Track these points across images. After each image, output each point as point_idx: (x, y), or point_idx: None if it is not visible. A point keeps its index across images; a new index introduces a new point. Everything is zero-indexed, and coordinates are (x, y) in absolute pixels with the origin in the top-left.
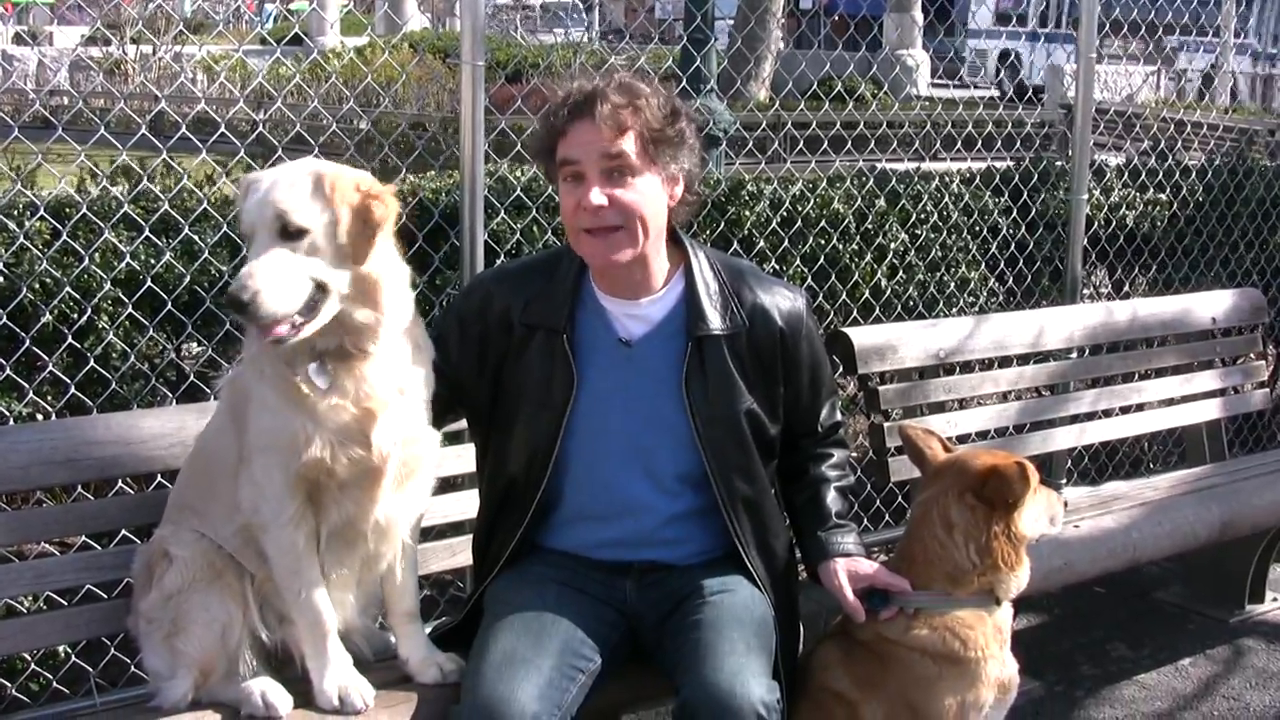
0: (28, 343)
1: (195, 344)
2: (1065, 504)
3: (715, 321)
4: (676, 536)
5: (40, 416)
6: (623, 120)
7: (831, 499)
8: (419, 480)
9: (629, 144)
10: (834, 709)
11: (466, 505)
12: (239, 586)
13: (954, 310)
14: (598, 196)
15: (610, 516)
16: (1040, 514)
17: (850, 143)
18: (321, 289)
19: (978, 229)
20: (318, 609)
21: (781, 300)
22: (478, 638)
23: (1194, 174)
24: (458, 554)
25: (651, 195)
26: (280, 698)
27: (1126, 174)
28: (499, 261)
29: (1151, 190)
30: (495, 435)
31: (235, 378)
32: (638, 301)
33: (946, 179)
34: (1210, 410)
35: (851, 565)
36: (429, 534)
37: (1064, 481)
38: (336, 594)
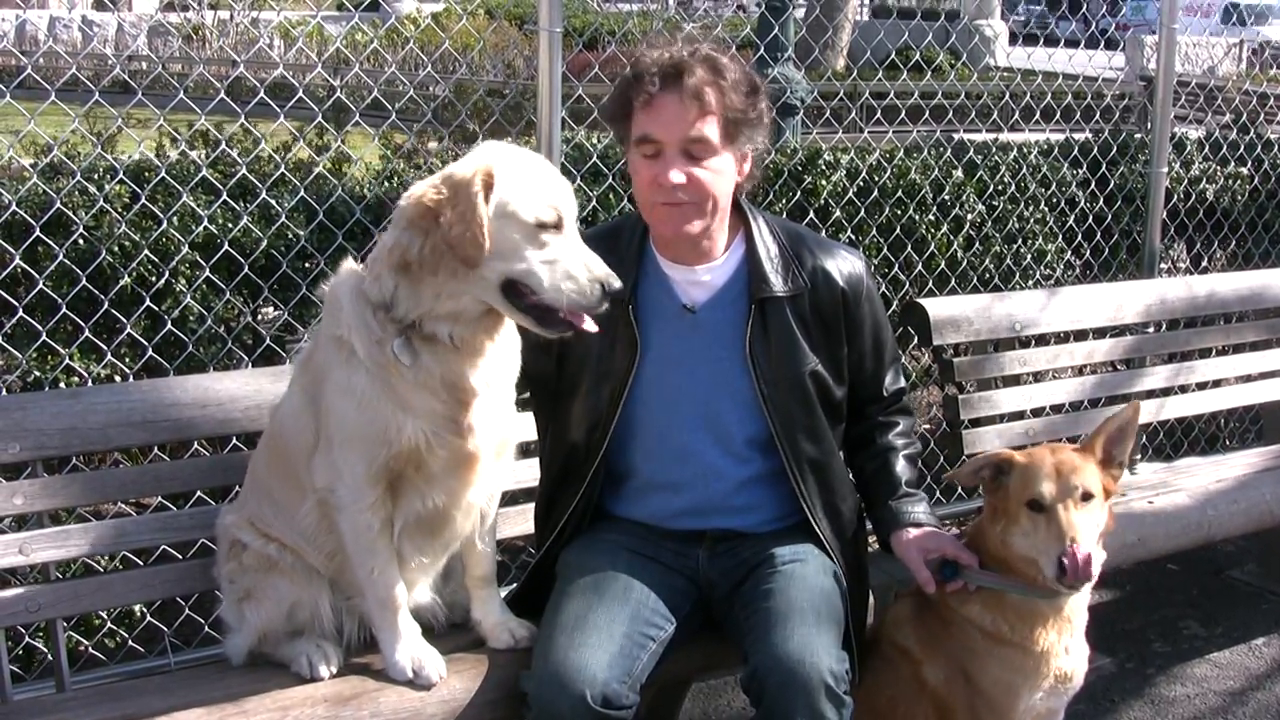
0: (106, 305)
1: (271, 308)
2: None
3: (777, 284)
4: (748, 503)
5: (118, 378)
6: (707, 101)
7: (901, 468)
8: (506, 460)
9: (711, 129)
10: (900, 665)
11: (540, 472)
12: (311, 574)
13: (1030, 283)
14: (677, 175)
15: (683, 484)
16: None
17: (928, 112)
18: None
19: (1055, 201)
20: (389, 585)
21: (842, 262)
22: (550, 604)
23: (1276, 147)
24: (530, 520)
25: (726, 174)
26: (323, 662)
27: (1207, 147)
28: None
29: (1232, 164)
30: (559, 406)
31: (308, 358)
32: (700, 267)
33: (1024, 150)
34: None
35: (923, 534)
36: (502, 500)
37: (1139, 458)
38: (411, 575)
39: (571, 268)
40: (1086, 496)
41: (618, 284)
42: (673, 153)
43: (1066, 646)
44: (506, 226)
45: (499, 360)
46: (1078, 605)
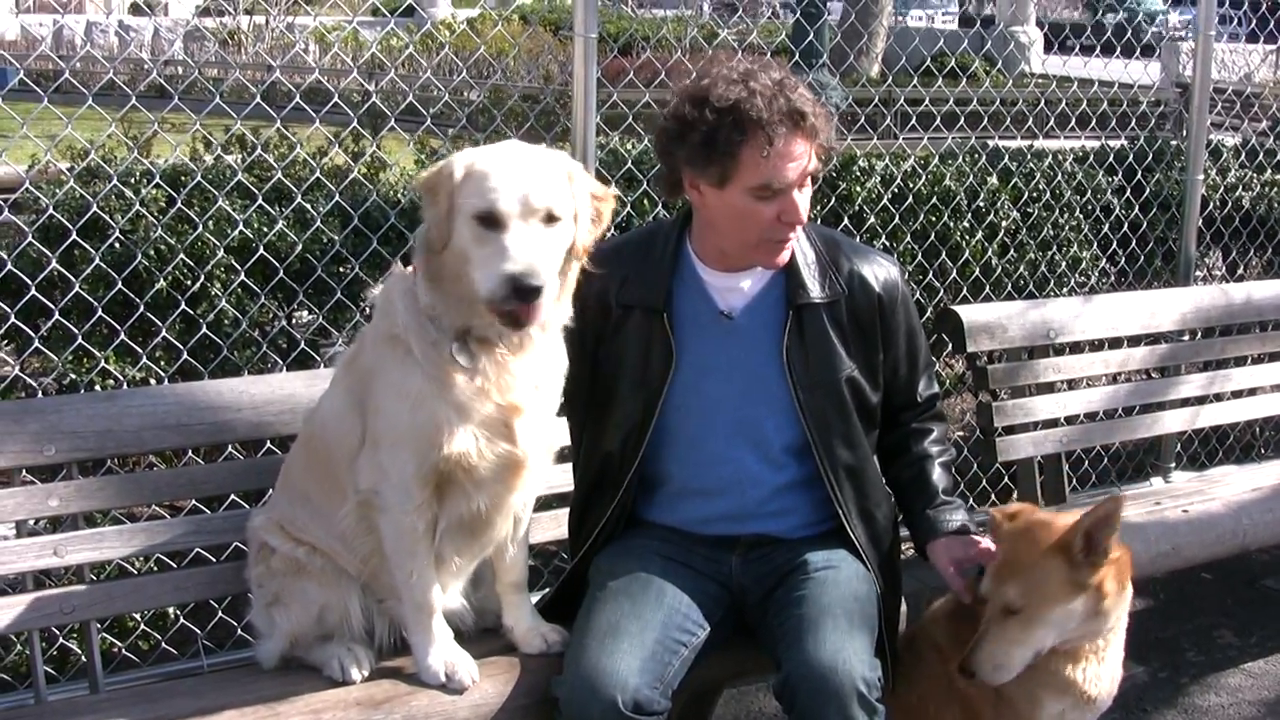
0: (142, 308)
1: (306, 312)
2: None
3: (815, 290)
4: (782, 508)
5: (153, 381)
6: (818, 133)
7: (938, 476)
8: (550, 464)
9: (813, 157)
10: (932, 662)
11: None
12: (340, 576)
13: (1064, 290)
14: (804, 212)
15: (717, 491)
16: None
17: (963, 119)
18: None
19: (1090, 208)
20: (426, 589)
21: (878, 269)
22: (581, 609)
23: None
24: (563, 525)
25: None
26: (354, 666)
27: (1243, 154)
28: (608, 234)
29: (1269, 171)
30: (592, 413)
31: (353, 359)
32: (740, 273)
33: (1059, 157)
34: None
35: (960, 543)
36: (535, 505)
37: (1172, 466)
38: (446, 579)
39: (495, 261)
40: (1009, 611)
41: (534, 282)
42: (791, 188)
43: (1098, 674)
44: (460, 222)
45: (548, 360)
46: (1108, 635)
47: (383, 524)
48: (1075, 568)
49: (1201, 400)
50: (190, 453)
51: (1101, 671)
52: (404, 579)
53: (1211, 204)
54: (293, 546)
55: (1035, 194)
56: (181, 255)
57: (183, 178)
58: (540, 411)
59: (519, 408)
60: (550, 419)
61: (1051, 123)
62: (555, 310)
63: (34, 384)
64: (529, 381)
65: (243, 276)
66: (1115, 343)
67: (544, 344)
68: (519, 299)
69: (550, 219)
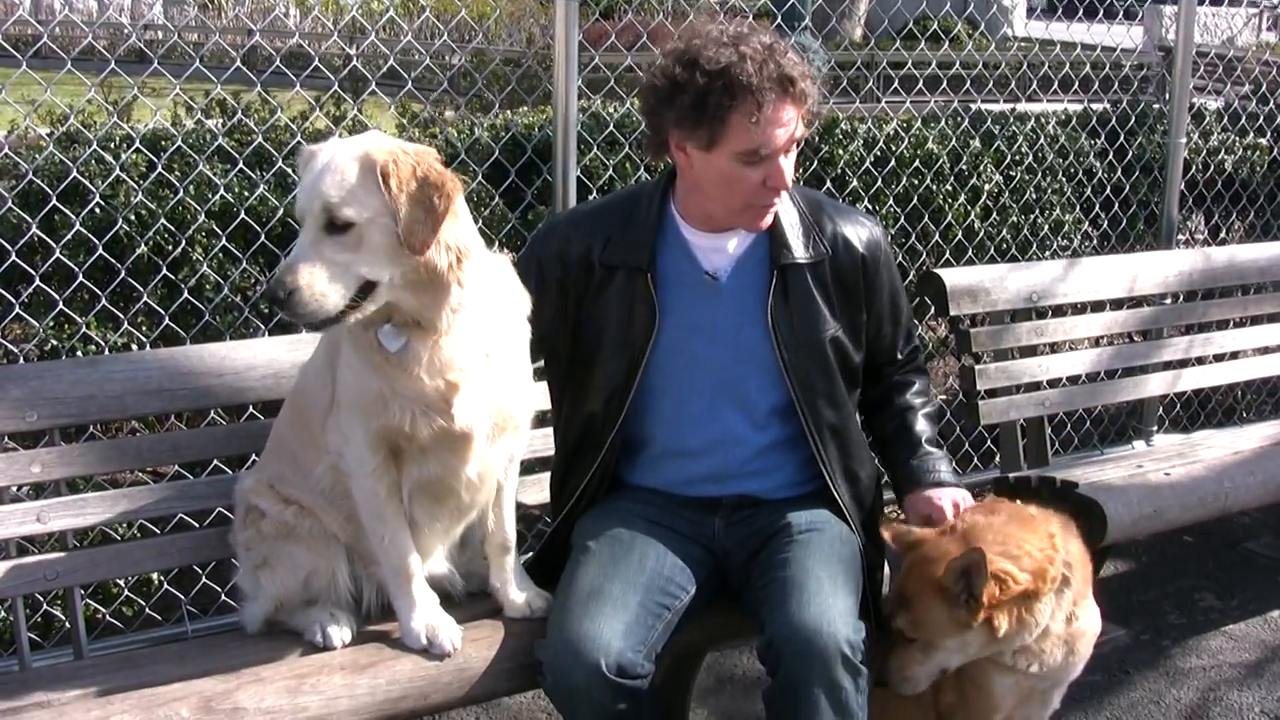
0: (123, 274)
1: None
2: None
3: (799, 250)
4: (764, 468)
5: (135, 346)
6: (807, 99)
7: (921, 426)
8: (515, 433)
9: (801, 124)
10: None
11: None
12: (329, 541)
13: (1047, 253)
14: (789, 176)
15: (701, 451)
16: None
17: (945, 82)
18: (371, 283)
19: (1073, 171)
20: (402, 553)
21: (860, 229)
22: (564, 573)
23: None
24: (545, 488)
25: None
26: (337, 632)
27: (1226, 118)
28: (591, 197)
29: (1251, 135)
30: (574, 375)
31: None
32: (725, 234)
33: (1042, 120)
34: None
35: (940, 494)
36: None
37: (1155, 429)
38: (426, 543)
39: None
40: (905, 637)
41: (280, 293)
42: (778, 153)
43: (1036, 659)
44: None
45: (491, 329)
46: (1036, 639)
47: (352, 488)
48: (955, 607)
49: (1184, 363)
50: (173, 418)
51: (1044, 658)
52: (378, 544)
53: (1194, 167)
54: (282, 508)
55: (1018, 157)
56: (162, 220)
57: (163, 142)
58: (489, 384)
59: (456, 385)
60: (509, 387)
61: (1034, 86)
62: (467, 292)
63: (15, 350)
64: (474, 352)
65: (224, 241)
66: (1098, 306)
67: (471, 318)
68: (279, 309)
69: (334, 225)
